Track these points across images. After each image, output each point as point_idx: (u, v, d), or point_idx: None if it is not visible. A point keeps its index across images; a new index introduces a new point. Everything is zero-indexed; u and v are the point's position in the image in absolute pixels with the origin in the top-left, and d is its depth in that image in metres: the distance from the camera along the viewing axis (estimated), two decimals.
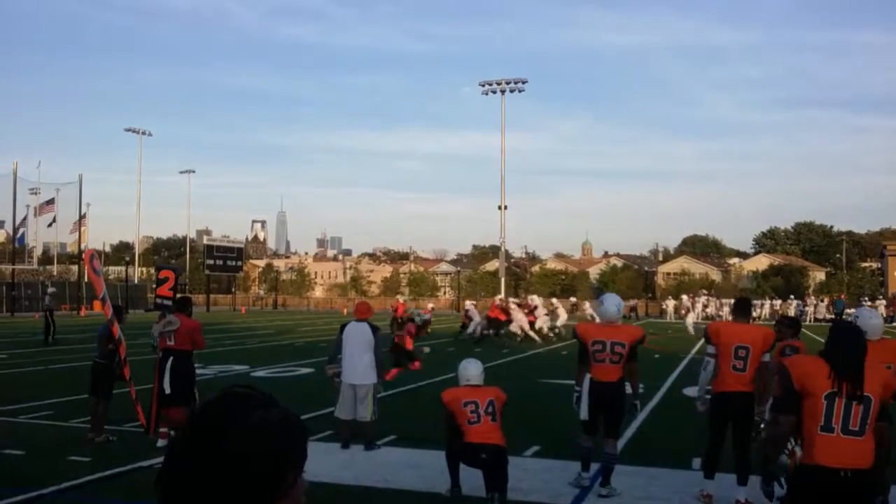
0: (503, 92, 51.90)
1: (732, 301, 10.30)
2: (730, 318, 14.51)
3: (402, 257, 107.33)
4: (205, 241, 67.65)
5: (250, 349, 22.82)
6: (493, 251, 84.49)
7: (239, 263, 62.89)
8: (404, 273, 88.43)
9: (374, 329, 8.97)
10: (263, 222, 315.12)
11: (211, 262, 57.57)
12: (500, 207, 52.88)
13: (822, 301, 52.66)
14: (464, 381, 6.94)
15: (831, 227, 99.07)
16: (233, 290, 69.41)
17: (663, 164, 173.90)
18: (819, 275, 78.08)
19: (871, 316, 6.35)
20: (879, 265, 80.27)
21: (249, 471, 1.15)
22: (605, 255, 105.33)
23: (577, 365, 7.17)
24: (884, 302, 52.10)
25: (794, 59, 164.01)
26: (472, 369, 6.98)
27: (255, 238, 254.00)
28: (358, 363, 8.76)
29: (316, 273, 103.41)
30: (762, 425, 6.60)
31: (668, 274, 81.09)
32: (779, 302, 52.26)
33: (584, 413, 6.96)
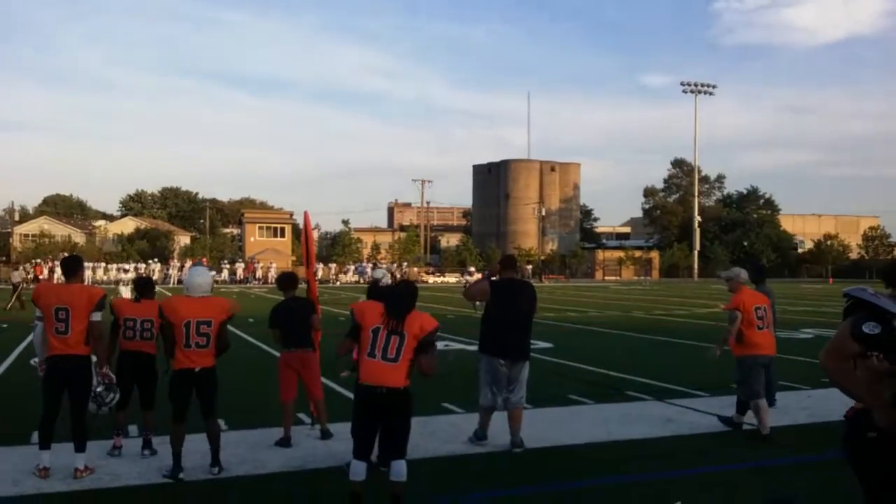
0: None
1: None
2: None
3: None
4: None
5: None
6: None
7: None
8: None
9: None
10: None
11: None
12: None
13: (185, 265, 55.11)
14: None
15: (197, 193, 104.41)
16: None
17: (17, 115, 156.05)
18: (185, 239, 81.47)
19: (196, 274, 6.56)
20: (239, 231, 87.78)
21: None
22: None
23: None
24: (242, 265, 57.32)
25: (168, 25, 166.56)
26: None
27: None
28: None
29: None
30: (98, 388, 6.36)
31: (27, 236, 74.50)
32: (143, 266, 52.91)
33: None
